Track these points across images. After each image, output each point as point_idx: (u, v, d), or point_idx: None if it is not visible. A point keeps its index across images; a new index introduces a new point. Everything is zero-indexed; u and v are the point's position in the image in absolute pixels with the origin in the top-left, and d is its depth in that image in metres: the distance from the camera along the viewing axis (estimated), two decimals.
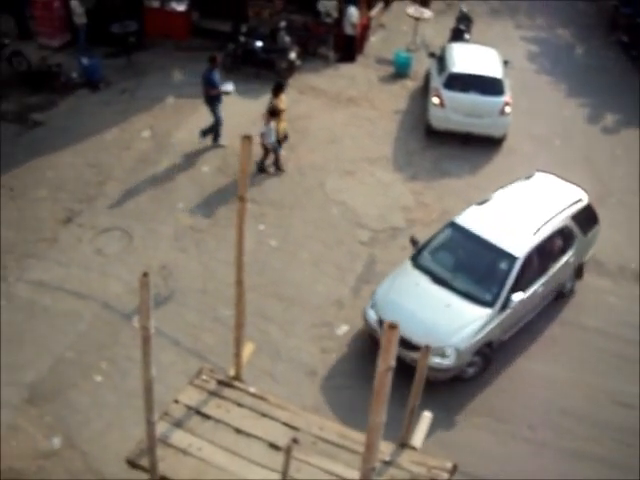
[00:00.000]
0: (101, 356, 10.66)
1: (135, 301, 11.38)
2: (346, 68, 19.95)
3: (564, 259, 11.68)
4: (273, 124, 14.12)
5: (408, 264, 11.39)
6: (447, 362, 10.15)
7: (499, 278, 10.76)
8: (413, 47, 21.11)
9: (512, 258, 10.76)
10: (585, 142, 17.17)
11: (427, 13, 21.63)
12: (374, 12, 22.31)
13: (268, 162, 14.84)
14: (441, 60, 17.56)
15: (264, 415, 7.32)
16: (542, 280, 11.27)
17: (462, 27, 20.91)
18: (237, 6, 20.88)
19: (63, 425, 9.66)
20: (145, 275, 4.69)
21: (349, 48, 20.20)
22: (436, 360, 9.86)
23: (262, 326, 11.10)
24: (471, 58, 17.11)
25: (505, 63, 17.34)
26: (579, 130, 17.75)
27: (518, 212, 11.67)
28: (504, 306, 10.58)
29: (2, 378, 10.17)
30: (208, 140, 15.49)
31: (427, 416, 7.80)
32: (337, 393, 10.42)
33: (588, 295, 12.65)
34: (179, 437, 7.04)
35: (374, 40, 21.96)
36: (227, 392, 7.46)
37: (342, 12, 19.77)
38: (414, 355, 8.60)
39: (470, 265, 11.35)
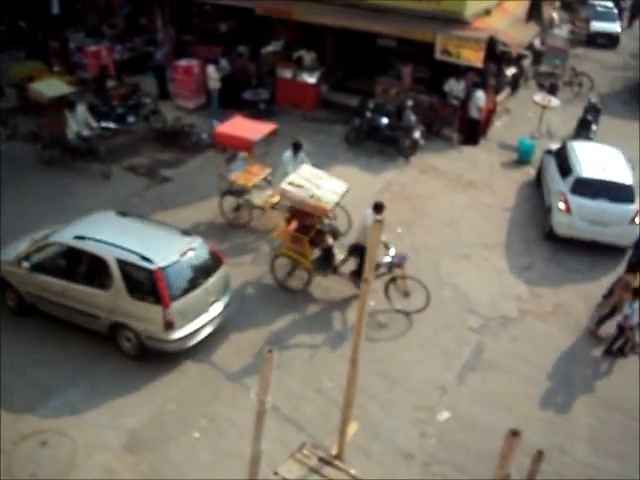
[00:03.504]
0: (201, 413, 10.75)
1: (240, 362, 11.68)
2: (468, 151, 20.04)
3: (84, 287, 11.53)
4: (637, 304, 12.26)
5: None
6: None
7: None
8: (537, 135, 20.95)
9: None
10: None
11: (554, 101, 21.47)
12: (501, 97, 22.39)
13: (622, 344, 12.67)
14: (560, 158, 16.89)
15: None
16: (52, 279, 11.80)
17: (589, 118, 20.61)
18: (366, 82, 21.50)
19: (157, 476, 9.71)
20: (270, 352, 4.71)
21: (473, 131, 20.29)
22: None
23: (363, 403, 10.91)
24: (598, 161, 16.16)
25: (629, 162, 16.52)
26: None
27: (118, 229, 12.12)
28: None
29: (105, 421, 10.47)
30: None
31: None
32: None
33: None
34: None
35: (498, 125, 22.01)
36: (327, 470, 7.34)
37: (469, 95, 19.95)
38: None
39: None
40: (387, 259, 12.89)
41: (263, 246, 14.92)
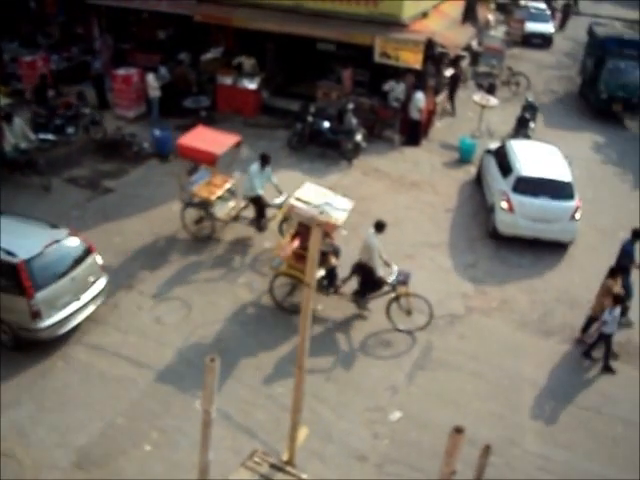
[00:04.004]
0: (152, 425, 10.63)
1: (190, 373, 11.57)
2: (410, 152, 20.25)
3: None
4: (617, 311, 12.12)
5: None
6: None
7: None
8: (478, 134, 21.31)
9: None
10: None
11: (493, 101, 21.93)
12: (440, 98, 22.68)
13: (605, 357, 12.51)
14: (500, 157, 17.08)
15: None
16: None
17: (527, 116, 21.06)
18: (307, 87, 21.56)
19: None
20: (212, 360, 4.67)
21: (414, 132, 20.52)
22: None
23: (314, 407, 10.95)
24: (537, 159, 16.45)
25: (566, 158, 16.83)
26: None
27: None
28: None
29: (53, 439, 10.25)
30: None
31: None
32: None
33: None
34: None
35: (439, 125, 22.30)
36: (279, 476, 7.34)
37: (409, 97, 20.16)
38: None
39: None
40: (391, 278, 12.77)
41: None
